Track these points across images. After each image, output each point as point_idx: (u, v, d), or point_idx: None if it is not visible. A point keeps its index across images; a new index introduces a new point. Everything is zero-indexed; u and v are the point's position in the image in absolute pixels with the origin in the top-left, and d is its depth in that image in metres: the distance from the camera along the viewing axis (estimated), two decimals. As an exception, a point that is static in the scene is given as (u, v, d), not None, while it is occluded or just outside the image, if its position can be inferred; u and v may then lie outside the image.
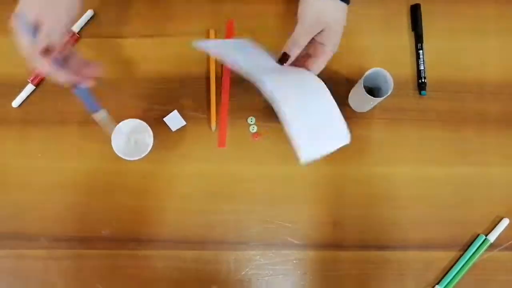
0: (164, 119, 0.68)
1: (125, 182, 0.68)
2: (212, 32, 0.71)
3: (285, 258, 0.66)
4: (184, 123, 0.68)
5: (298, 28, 0.58)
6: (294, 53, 0.58)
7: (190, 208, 0.67)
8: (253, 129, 0.69)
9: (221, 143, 0.69)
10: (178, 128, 0.68)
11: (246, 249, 0.66)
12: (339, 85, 0.69)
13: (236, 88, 0.70)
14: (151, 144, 0.64)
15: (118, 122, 0.64)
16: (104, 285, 0.65)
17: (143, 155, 0.64)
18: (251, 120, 0.69)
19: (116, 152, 0.64)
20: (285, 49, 0.59)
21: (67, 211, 0.67)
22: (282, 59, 0.59)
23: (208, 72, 0.70)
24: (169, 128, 0.68)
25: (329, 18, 0.58)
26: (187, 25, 0.72)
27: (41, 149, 0.68)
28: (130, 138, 0.67)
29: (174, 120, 0.68)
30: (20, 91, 0.69)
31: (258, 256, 0.66)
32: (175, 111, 0.68)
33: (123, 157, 0.64)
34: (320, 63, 0.60)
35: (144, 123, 0.65)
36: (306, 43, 0.58)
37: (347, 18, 0.60)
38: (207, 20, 0.72)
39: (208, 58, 0.71)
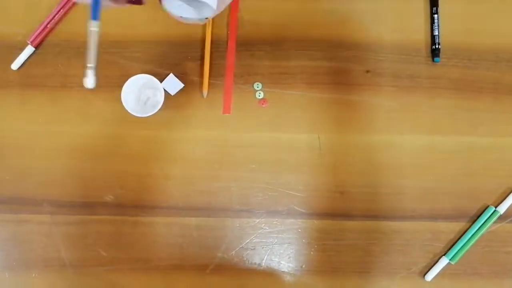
0: (161, 84, 0.66)
1: (128, 148, 0.66)
2: (209, 21, 0.68)
3: (290, 226, 0.66)
4: (182, 85, 0.66)
5: None
6: None
7: (194, 174, 0.66)
8: (260, 95, 0.67)
9: (226, 110, 0.67)
10: (177, 91, 0.67)
11: (250, 217, 0.65)
12: (348, 50, 0.67)
13: (242, 52, 0.68)
14: (162, 100, 0.63)
15: (115, 85, 0.62)
16: (108, 251, 0.65)
17: (154, 111, 0.63)
18: (258, 85, 0.67)
19: (126, 108, 0.63)
20: None
21: (70, 176, 0.66)
22: None
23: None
24: (168, 93, 0.67)
25: None
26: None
27: (42, 113, 0.67)
28: (142, 94, 0.65)
29: (172, 84, 0.66)
30: (19, 53, 0.67)
31: (263, 224, 0.66)
32: (171, 74, 0.66)
33: (134, 114, 0.63)
34: None
35: (155, 79, 0.63)
36: None
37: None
38: None
39: (203, 45, 0.68)
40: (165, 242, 0.65)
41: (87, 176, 0.66)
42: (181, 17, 0.60)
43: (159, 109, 0.64)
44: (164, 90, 0.65)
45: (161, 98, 0.64)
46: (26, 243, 0.65)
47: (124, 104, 0.63)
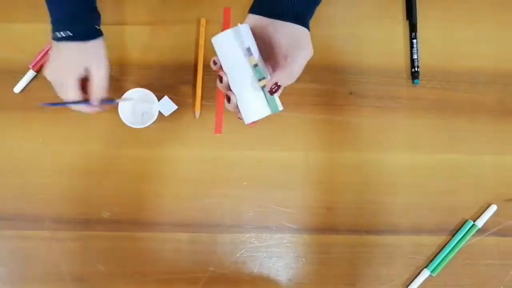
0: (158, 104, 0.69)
1: (125, 166, 0.70)
2: (203, 22, 0.72)
3: (279, 241, 0.69)
4: (176, 107, 0.70)
5: (298, 56, 0.49)
6: (287, 84, 0.49)
7: (187, 191, 0.69)
8: None
9: (218, 130, 0.70)
10: (170, 113, 0.70)
11: (241, 232, 0.68)
12: (332, 73, 0.71)
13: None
14: (157, 114, 0.67)
15: (111, 107, 0.67)
16: (105, 266, 0.67)
17: (149, 123, 0.67)
18: None
19: (122, 119, 0.67)
20: (277, 79, 0.48)
21: (69, 194, 0.69)
22: (273, 91, 0.48)
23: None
24: (162, 114, 0.70)
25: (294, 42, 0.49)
26: (181, 13, 0.73)
27: (43, 134, 0.70)
28: (137, 107, 0.69)
29: (166, 106, 0.70)
30: (21, 77, 0.71)
31: (253, 239, 0.69)
32: (166, 97, 0.69)
33: (130, 125, 0.66)
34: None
35: (151, 93, 0.67)
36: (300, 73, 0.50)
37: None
38: (203, 7, 0.73)
39: (197, 44, 0.72)
40: (159, 257, 0.68)
41: (86, 193, 0.69)
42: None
43: (154, 122, 0.67)
44: (159, 111, 0.69)
45: (156, 111, 0.67)
46: (28, 259, 0.68)
47: (120, 115, 0.67)
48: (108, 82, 0.60)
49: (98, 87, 0.59)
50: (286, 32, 0.48)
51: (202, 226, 0.68)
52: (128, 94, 0.67)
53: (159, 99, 0.69)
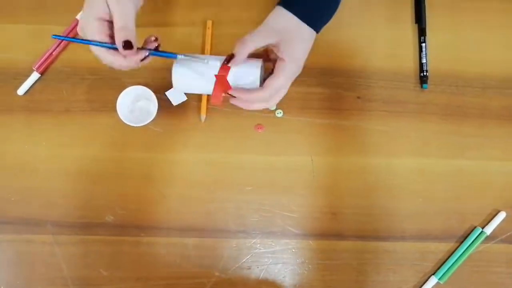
0: (166, 92, 0.69)
1: (128, 170, 0.69)
2: (209, 24, 0.72)
3: (285, 246, 0.68)
4: (185, 98, 0.69)
5: (252, 31, 0.55)
6: (240, 54, 0.54)
7: (192, 195, 0.68)
8: (279, 113, 0.70)
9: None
10: (179, 102, 0.70)
11: (246, 237, 0.68)
12: (340, 77, 0.70)
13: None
14: (155, 113, 0.66)
15: (115, 109, 0.65)
16: (108, 271, 0.67)
17: (147, 122, 0.66)
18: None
19: (120, 117, 0.66)
20: (233, 49, 0.54)
21: (72, 197, 0.68)
22: (229, 59, 0.54)
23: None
24: (170, 102, 0.70)
25: (284, 30, 0.55)
26: (188, 14, 0.72)
27: (46, 137, 0.70)
28: (135, 105, 0.69)
29: (176, 95, 0.69)
30: (25, 79, 0.70)
31: (258, 244, 0.68)
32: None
33: (128, 123, 0.66)
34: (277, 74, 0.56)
35: (150, 91, 0.66)
36: (254, 46, 0.54)
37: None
38: (210, 9, 0.73)
39: (203, 46, 0.71)
40: (164, 262, 0.67)
41: (89, 197, 0.68)
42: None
43: (152, 120, 0.66)
44: (167, 98, 0.69)
45: (154, 109, 0.67)
46: (30, 263, 0.67)
47: (118, 114, 0.66)
48: (134, 21, 0.52)
49: (119, 26, 0.50)
50: None
51: (207, 231, 0.68)
52: (125, 91, 0.67)
53: (164, 99, 0.68)
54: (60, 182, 0.69)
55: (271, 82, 0.55)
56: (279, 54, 0.55)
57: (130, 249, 0.67)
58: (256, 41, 0.54)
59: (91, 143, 0.69)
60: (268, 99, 0.56)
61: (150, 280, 0.66)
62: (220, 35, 0.72)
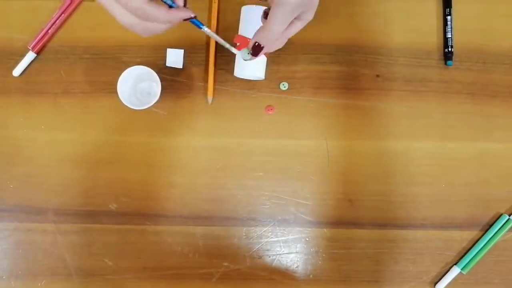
0: (167, 64, 0.66)
1: (132, 156, 0.65)
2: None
3: (298, 235, 0.64)
4: (180, 66, 0.66)
5: (276, 12, 0.44)
6: (269, 44, 0.47)
7: (199, 182, 0.65)
8: (284, 86, 0.66)
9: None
10: (172, 66, 0.66)
11: (257, 225, 0.64)
12: (357, 54, 0.65)
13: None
14: (159, 93, 0.62)
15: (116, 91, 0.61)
16: (113, 260, 0.64)
17: (151, 104, 0.62)
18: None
19: (122, 100, 0.62)
20: (257, 38, 0.47)
21: (73, 184, 0.65)
22: (255, 51, 0.48)
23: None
24: (176, 68, 0.66)
25: None
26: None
27: (45, 120, 0.66)
28: (137, 86, 0.65)
29: (174, 57, 0.66)
30: (20, 59, 0.66)
31: (270, 233, 0.64)
32: (168, 49, 0.66)
33: (130, 106, 0.62)
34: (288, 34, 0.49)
35: (152, 71, 0.62)
36: (282, 30, 0.46)
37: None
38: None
39: (209, 22, 0.67)
40: (170, 251, 0.64)
41: (91, 184, 0.65)
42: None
43: (156, 102, 0.62)
44: (172, 67, 0.66)
45: (157, 90, 0.63)
46: (31, 252, 0.65)
47: (120, 96, 0.62)
48: None
49: None
50: None
51: (215, 219, 0.64)
52: (126, 72, 0.62)
53: (168, 82, 0.64)
54: (61, 168, 0.65)
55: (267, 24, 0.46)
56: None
57: (135, 238, 0.64)
58: (284, 24, 0.46)
59: (91, 127, 0.66)
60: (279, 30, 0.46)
61: (156, 270, 0.64)
62: (225, 10, 0.67)
